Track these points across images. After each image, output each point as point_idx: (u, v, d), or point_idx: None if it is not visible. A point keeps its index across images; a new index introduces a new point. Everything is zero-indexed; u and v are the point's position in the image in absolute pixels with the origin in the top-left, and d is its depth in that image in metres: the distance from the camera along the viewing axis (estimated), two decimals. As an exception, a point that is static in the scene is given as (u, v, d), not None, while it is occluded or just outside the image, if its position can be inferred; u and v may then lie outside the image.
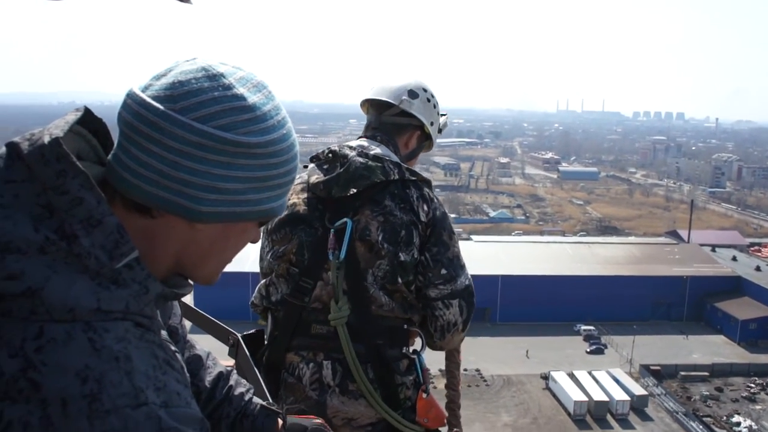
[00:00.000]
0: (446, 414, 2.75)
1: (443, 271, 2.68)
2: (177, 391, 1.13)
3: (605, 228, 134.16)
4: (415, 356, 2.69)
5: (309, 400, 2.62)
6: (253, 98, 1.20)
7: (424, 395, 2.68)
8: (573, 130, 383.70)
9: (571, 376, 55.41)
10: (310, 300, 2.66)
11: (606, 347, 64.97)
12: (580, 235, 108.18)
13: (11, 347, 0.98)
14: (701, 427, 50.23)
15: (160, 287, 1.18)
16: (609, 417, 51.51)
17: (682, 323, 70.88)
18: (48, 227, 1.05)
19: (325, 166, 2.78)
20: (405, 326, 2.69)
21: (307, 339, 2.65)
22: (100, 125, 1.27)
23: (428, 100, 2.98)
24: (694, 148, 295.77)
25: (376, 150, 2.78)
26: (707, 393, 57.44)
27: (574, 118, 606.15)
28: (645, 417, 52.22)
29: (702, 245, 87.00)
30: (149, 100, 1.14)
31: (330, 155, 2.79)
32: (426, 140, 3.08)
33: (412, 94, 2.93)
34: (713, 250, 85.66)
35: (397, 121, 2.95)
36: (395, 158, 2.80)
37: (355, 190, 2.65)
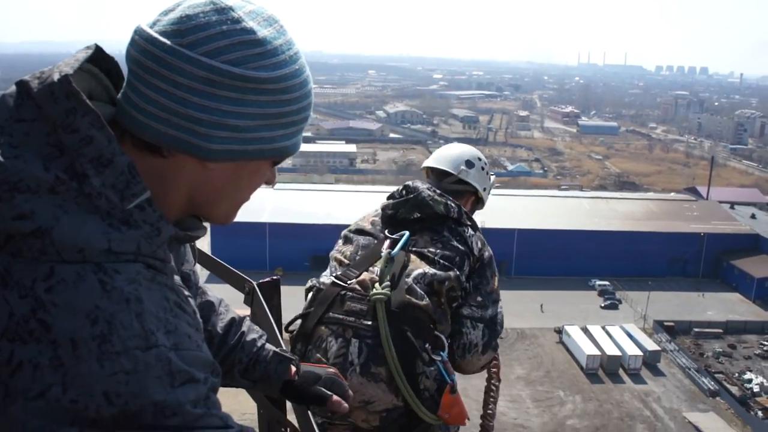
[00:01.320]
0: (468, 416, 2.80)
1: (479, 298, 2.93)
2: (188, 334, 1.11)
3: (624, 183, 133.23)
4: (437, 356, 2.74)
5: None
6: (263, 32, 1.16)
7: (452, 392, 2.72)
8: (594, 83, 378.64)
9: (585, 330, 55.65)
10: (352, 283, 2.80)
11: (620, 302, 65.11)
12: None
13: (21, 288, 0.98)
14: (713, 383, 50.51)
15: (173, 229, 1.16)
16: (621, 372, 51.86)
17: (697, 280, 70.68)
18: (58, 166, 1.03)
19: (398, 198, 3.07)
20: (432, 326, 2.77)
21: (341, 314, 2.73)
22: (112, 65, 1.24)
23: (482, 168, 3.35)
24: (716, 103, 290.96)
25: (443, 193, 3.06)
26: (720, 350, 57.57)
27: (596, 72, 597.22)
28: (657, 372, 52.51)
29: (721, 202, 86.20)
30: (156, 35, 1.11)
31: (404, 191, 3.07)
32: (478, 203, 3.42)
33: (469, 164, 3.30)
34: (732, 208, 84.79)
35: (455, 188, 3.29)
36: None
37: (418, 215, 2.97)
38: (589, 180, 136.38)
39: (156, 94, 1.12)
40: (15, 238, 1.00)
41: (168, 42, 1.11)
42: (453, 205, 3.00)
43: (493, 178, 3.45)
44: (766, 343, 58.82)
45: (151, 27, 1.14)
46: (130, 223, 1.08)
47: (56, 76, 1.06)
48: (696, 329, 60.36)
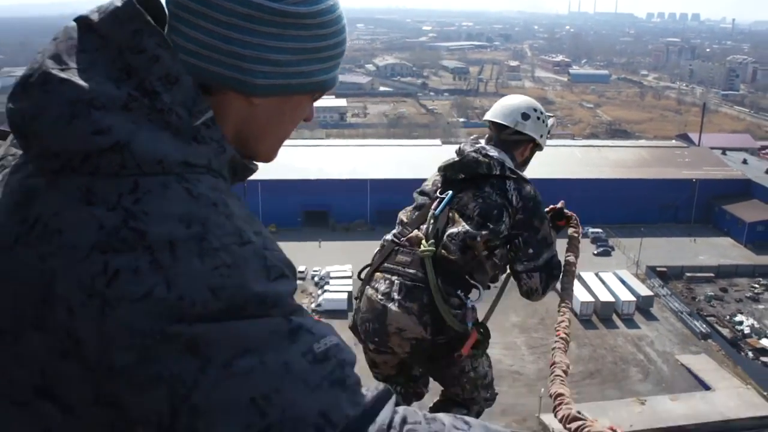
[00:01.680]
0: (468, 352, 3.33)
1: (530, 251, 3.41)
2: (270, 238, 1.16)
3: (615, 131, 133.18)
4: (467, 301, 3.33)
5: (376, 310, 3.35)
6: None
7: (464, 334, 3.30)
8: (584, 32, 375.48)
9: (578, 277, 55.89)
10: (404, 240, 3.44)
11: (613, 249, 65.62)
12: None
13: (109, 202, 1.00)
14: (704, 326, 51.25)
15: (233, 150, 1.21)
16: (615, 317, 52.50)
17: (689, 226, 71.18)
18: (129, 86, 1.07)
19: (453, 158, 3.54)
20: (466, 277, 3.36)
21: (393, 264, 3.39)
22: (159, 11, 1.24)
23: (538, 118, 3.68)
24: (708, 50, 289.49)
25: (490, 151, 3.50)
26: (712, 294, 58.33)
27: (586, 20, 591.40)
28: (650, 317, 53.17)
29: (713, 148, 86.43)
30: None
31: (458, 150, 3.54)
32: (537, 147, 3.79)
33: (525, 116, 3.63)
34: (724, 153, 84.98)
35: (514, 138, 3.65)
36: (504, 159, 3.48)
37: (463, 176, 3.44)
38: (581, 128, 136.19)
39: (197, 33, 1.15)
40: (92, 155, 1.02)
41: None
42: (496, 164, 3.40)
43: (551, 121, 3.82)
44: (756, 286, 59.61)
45: None
46: (199, 139, 1.12)
47: (118, 2, 1.11)
48: (688, 274, 61.05)
